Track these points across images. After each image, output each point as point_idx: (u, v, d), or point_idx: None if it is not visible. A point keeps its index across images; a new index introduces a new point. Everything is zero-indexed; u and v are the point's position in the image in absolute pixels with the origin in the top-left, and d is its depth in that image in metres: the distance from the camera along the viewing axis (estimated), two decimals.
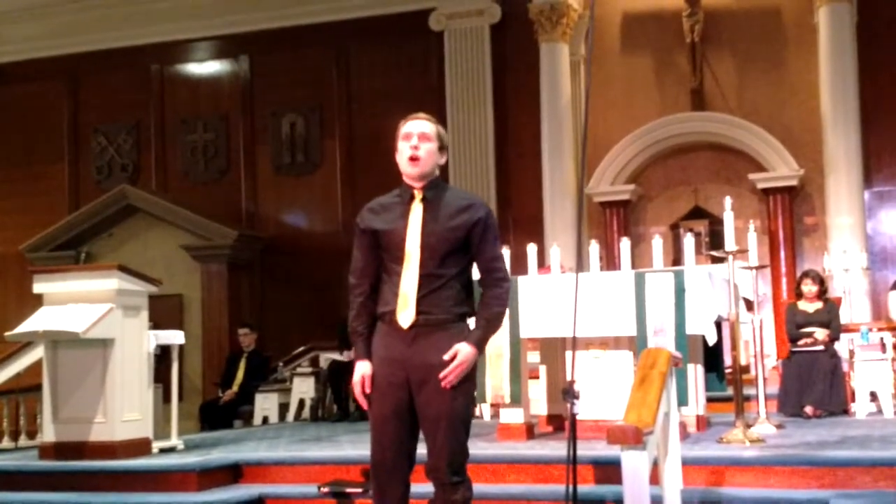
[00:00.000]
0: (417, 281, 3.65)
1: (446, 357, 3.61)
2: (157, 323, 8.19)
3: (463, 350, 3.62)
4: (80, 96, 15.58)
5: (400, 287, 3.67)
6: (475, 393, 3.85)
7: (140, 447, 6.40)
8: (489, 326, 3.74)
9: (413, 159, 3.72)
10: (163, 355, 7.09)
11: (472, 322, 3.78)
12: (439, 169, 3.84)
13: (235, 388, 10.96)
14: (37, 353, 7.63)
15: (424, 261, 3.66)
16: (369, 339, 3.76)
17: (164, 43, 15.01)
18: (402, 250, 3.68)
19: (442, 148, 3.81)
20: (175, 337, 6.96)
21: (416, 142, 3.73)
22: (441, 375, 3.60)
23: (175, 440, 6.82)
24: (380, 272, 3.78)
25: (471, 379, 3.71)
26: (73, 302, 6.38)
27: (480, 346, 3.69)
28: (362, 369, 3.73)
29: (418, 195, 3.75)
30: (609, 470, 5.04)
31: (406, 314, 3.64)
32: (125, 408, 6.36)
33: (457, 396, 3.64)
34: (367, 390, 3.71)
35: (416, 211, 3.73)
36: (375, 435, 3.71)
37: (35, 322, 6.39)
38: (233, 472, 6.06)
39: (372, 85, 14.18)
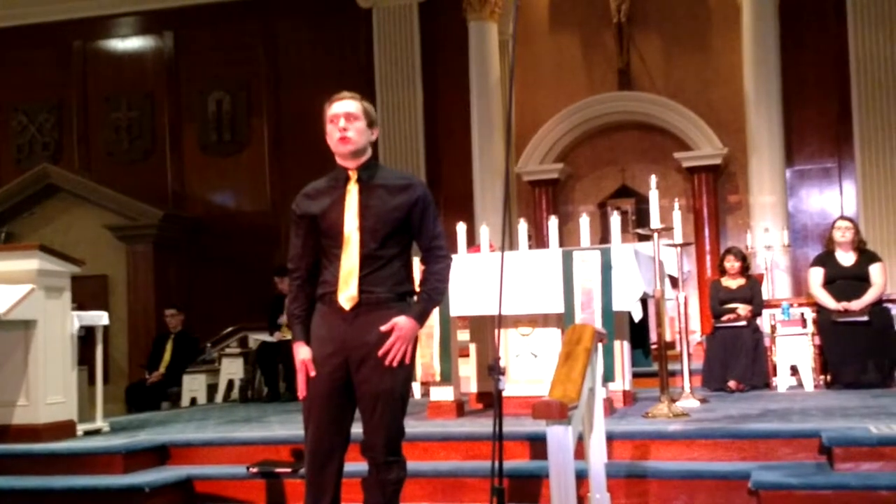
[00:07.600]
0: (359, 262, 3.62)
1: (384, 328, 3.58)
2: (81, 304, 8.05)
3: (401, 322, 3.60)
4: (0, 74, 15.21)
5: (341, 269, 3.63)
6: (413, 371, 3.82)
7: (64, 430, 6.29)
8: (430, 301, 3.73)
9: (343, 140, 3.69)
10: (87, 337, 6.96)
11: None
12: (371, 147, 3.81)
13: (162, 369, 10.83)
14: None
15: (365, 242, 3.63)
16: (307, 323, 3.73)
17: (87, 18, 14.72)
18: (342, 233, 3.65)
19: (371, 124, 3.78)
20: (99, 318, 6.84)
21: (343, 123, 3.70)
22: (381, 352, 3.57)
23: (100, 422, 6.72)
24: (318, 256, 3.75)
25: (410, 357, 3.67)
26: None
27: (420, 319, 3.67)
28: (303, 354, 3.69)
29: (353, 176, 3.72)
30: (537, 446, 5.08)
31: (347, 295, 3.61)
32: (49, 390, 6.23)
33: (396, 374, 3.61)
34: (312, 373, 3.66)
35: (353, 193, 3.70)
36: (313, 415, 3.67)
37: None
38: (160, 454, 5.98)
39: (300, 63, 14.06)
